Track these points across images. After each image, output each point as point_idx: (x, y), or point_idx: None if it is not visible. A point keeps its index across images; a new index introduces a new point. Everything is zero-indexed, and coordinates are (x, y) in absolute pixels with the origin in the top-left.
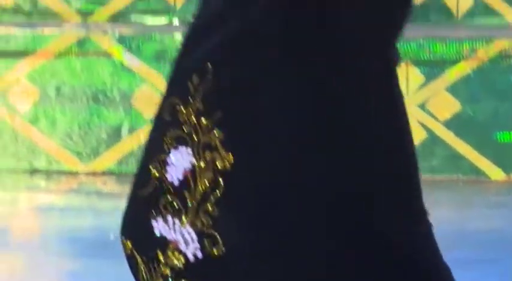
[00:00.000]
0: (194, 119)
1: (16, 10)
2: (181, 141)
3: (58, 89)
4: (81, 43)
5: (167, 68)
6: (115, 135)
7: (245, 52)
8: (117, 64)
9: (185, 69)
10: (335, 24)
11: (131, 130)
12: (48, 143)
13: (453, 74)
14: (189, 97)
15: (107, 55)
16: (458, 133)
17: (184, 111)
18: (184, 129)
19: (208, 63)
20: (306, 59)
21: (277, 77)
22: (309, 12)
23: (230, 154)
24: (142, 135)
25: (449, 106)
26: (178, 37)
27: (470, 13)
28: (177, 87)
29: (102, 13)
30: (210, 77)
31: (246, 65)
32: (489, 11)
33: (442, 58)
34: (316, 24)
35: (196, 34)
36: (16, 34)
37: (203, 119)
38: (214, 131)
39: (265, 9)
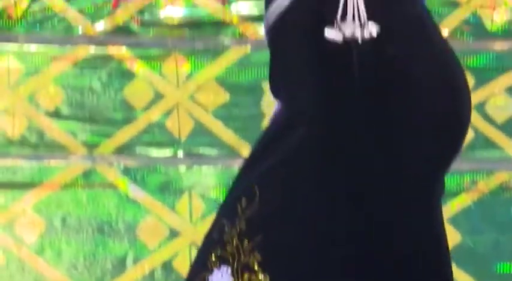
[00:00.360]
0: (237, 240)
1: (23, 142)
2: (224, 260)
3: (64, 221)
4: (87, 175)
5: (171, 199)
6: (120, 266)
7: (284, 179)
8: (122, 196)
9: (238, 192)
10: (395, 167)
11: (136, 261)
12: (54, 274)
13: (454, 206)
14: (236, 219)
15: (113, 187)
16: (459, 264)
17: (229, 232)
18: (228, 249)
19: (256, 188)
20: (353, 185)
21: (315, 204)
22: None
23: (267, 276)
24: (146, 266)
25: (450, 238)
26: (183, 169)
27: (471, 146)
28: (227, 208)
29: (108, 145)
30: (257, 200)
31: (284, 191)
32: (490, 144)
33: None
34: (373, 151)
35: (251, 161)
36: (23, 166)
37: (246, 241)
38: (255, 254)
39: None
